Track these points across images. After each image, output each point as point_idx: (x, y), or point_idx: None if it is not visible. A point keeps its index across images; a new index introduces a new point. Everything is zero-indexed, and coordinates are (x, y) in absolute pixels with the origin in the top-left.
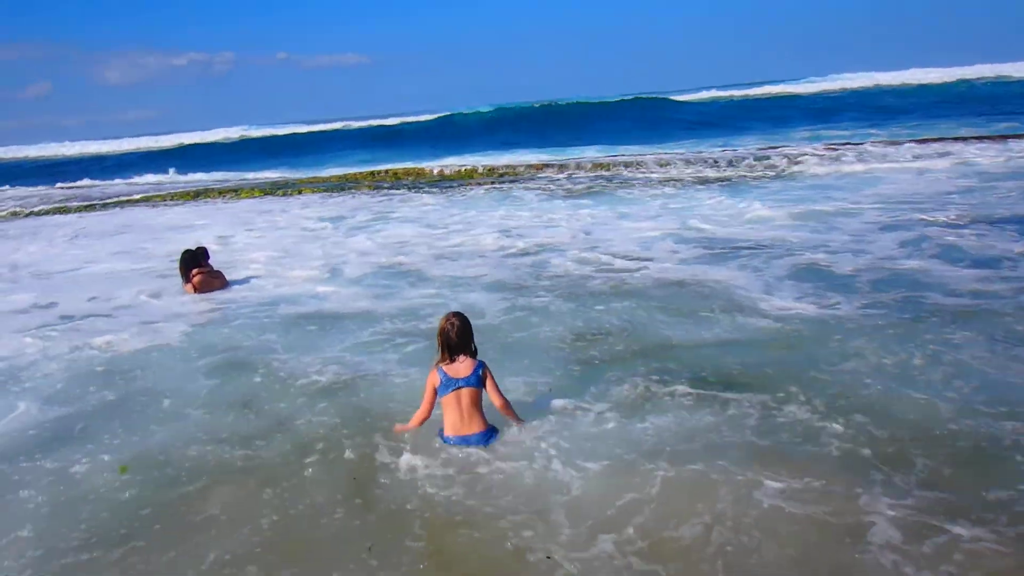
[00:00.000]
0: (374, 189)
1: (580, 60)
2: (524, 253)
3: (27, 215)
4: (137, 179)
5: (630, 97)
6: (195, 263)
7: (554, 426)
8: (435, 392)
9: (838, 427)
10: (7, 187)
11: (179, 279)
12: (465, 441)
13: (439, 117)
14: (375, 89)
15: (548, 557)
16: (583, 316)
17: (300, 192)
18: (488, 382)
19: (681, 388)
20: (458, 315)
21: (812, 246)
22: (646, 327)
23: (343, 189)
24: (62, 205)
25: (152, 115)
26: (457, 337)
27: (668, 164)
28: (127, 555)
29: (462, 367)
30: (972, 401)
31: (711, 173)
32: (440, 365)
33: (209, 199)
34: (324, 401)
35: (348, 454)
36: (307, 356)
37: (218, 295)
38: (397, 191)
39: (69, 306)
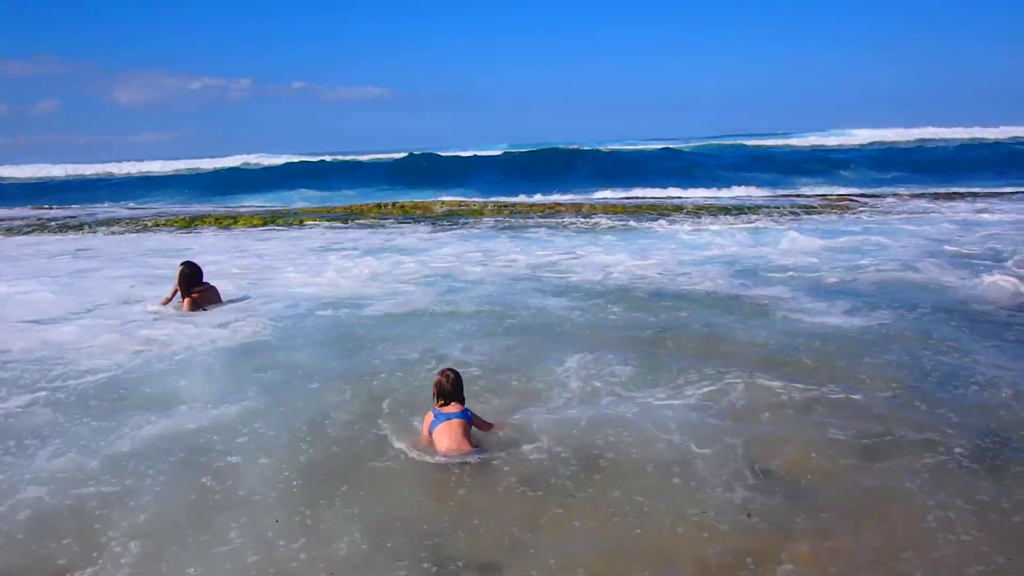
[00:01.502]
0: (378, 221)
1: (598, 109)
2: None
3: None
4: (133, 204)
5: (658, 147)
6: (197, 280)
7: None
8: (429, 429)
9: None
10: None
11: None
12: (462, 456)
13: (452, 156)
14: (393, 123)
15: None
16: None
17: (301, 222)
18: (474, 419)
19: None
20: (452, 370)
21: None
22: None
23: (346, 221)
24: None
25: (166, 138)
26: (451, 387)
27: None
28: None
29: (452, 408)
30: None
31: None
32: (434, 407)
33: (205, 226)
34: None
35: None
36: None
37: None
38: (404, 224)
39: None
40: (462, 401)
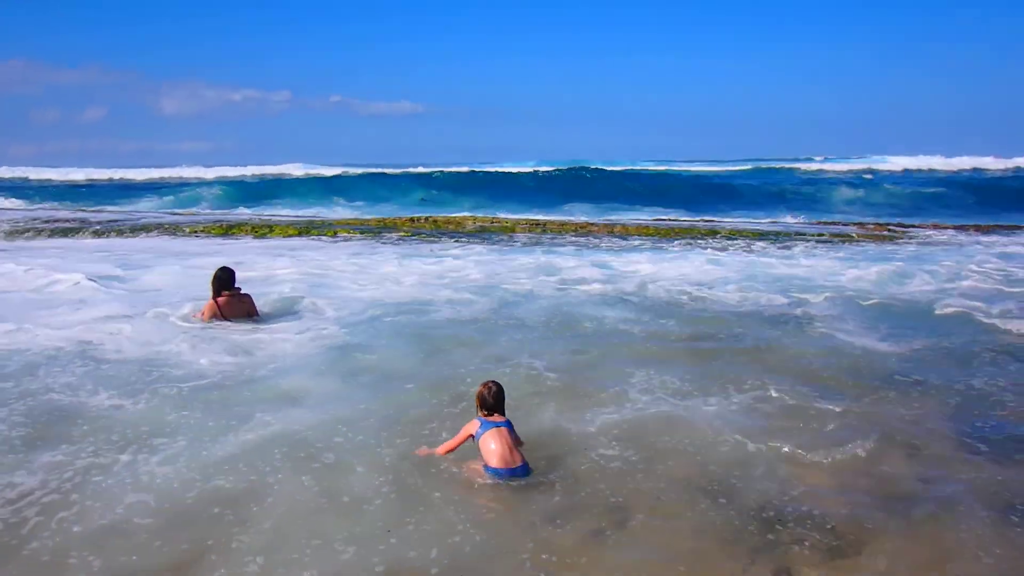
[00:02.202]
0: (412, 236)
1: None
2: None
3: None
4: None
5: (692, 169)
6: (229, 284)
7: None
8: (470, 436)
9: None
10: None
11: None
12: (513, 473)
13: (487, 172)
14: (427, 137)
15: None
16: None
17: (335, 233)
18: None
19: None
20: (495, 383)
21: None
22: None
23: (378, 233)
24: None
25: (206, 147)
26: (493, 399)
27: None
28: None
29: (497, 418)
30: None
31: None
32: (478, 415)
33: (241, 234)
34: None
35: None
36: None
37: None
38: (435, 240)
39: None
40: (503, 413)
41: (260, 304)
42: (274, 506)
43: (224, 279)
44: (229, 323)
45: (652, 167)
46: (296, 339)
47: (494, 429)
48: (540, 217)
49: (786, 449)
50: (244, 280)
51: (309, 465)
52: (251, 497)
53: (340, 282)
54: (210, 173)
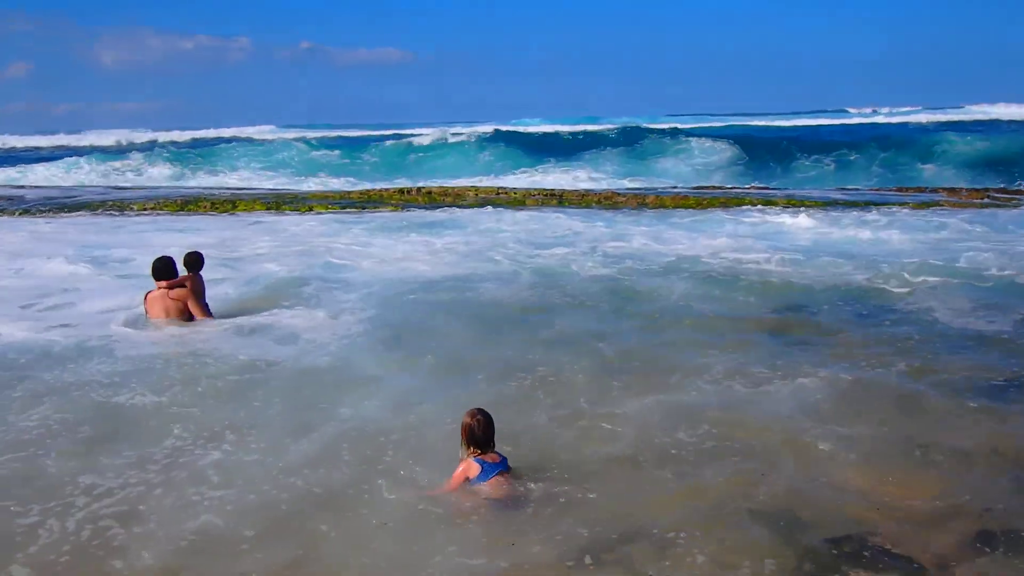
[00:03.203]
0: (401, 211)
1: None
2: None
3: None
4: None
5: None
6: (160, 274)
7: None
8: (467, 480)
9: None
10: None
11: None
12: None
13: (494, 132)
14: (420, 93)
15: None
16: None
17: (311, 209)
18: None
19: None
20: (482, 411)
21: None
22: None
23: (362, 208)
24: None
25: (155, 107)
26: (484, 433)
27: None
28: None
29: (493, 457)
30: None
31: None
32: (473, 456)
33: (199, 212)
34: None
35: None
36: None
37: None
38: (432, 211)
39: None
40: (494, 446)
41: (263, 287)
42: (370, 513)
43: (154, 269)
44: (165, 323)
45: (688, 124)
46: (334, 324)
47: (497, 477)
48: (555, 187)
49: (867, 459)
50: (222, 261)
51: (399, 465)
52: (341, 501)
53: (342, 261)
54: (159, 138)
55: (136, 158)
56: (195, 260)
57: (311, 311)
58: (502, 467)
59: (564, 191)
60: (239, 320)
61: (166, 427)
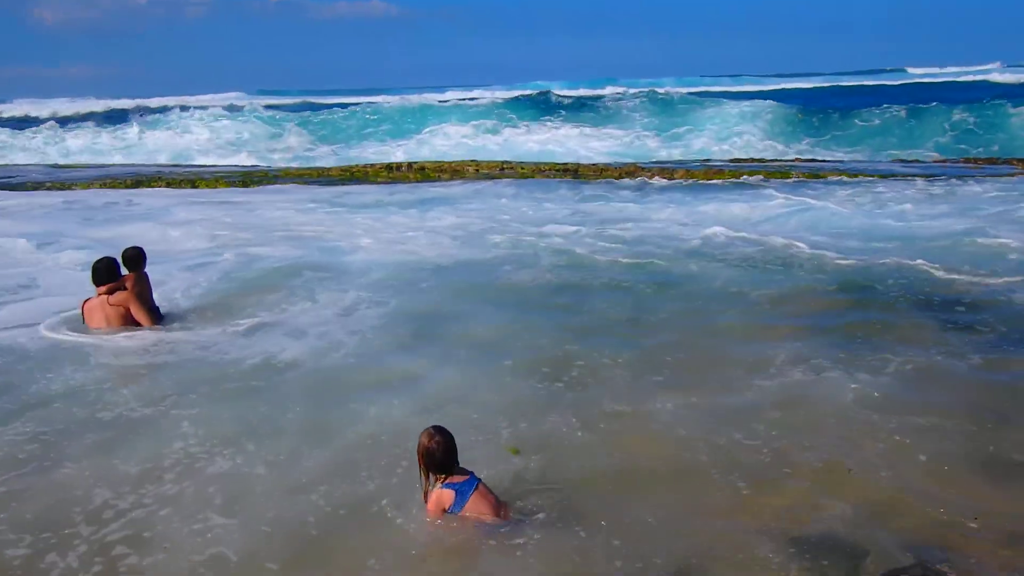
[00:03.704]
0: (388, 186)
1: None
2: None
3: None
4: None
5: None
6: (98, 277)
7: None
8: (444, 512)
9: None
10: None
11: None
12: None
13: (501, 101)
14: (406, 52)
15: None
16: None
17: (275, 182)
18: (481, 485)
19: None
20: (440, 430)
21: None
22: None
23: (344, 184)
24: None
25: (107, 72)
26: (443, 455)
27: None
28: None
29: (460, 477)
30: None
31: None
32: (440, 483)
33: (151, 188)
34: None
35: None
36: None
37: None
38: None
39: None
40: (458, 463)
41: (251, 278)
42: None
43: (95, 273)
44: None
45: (721, 87)
46: (346, 318)
47: (475, 498)
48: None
49: (950, 469)
50: (201, 251)
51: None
52: (363, 519)
53: (334, 245)
54: (105, 106)
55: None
56: (135, 257)
57: (315, 305)
58: (473, 482)
59: (579, 165)
60: (238, 320)
61: (169, 438)
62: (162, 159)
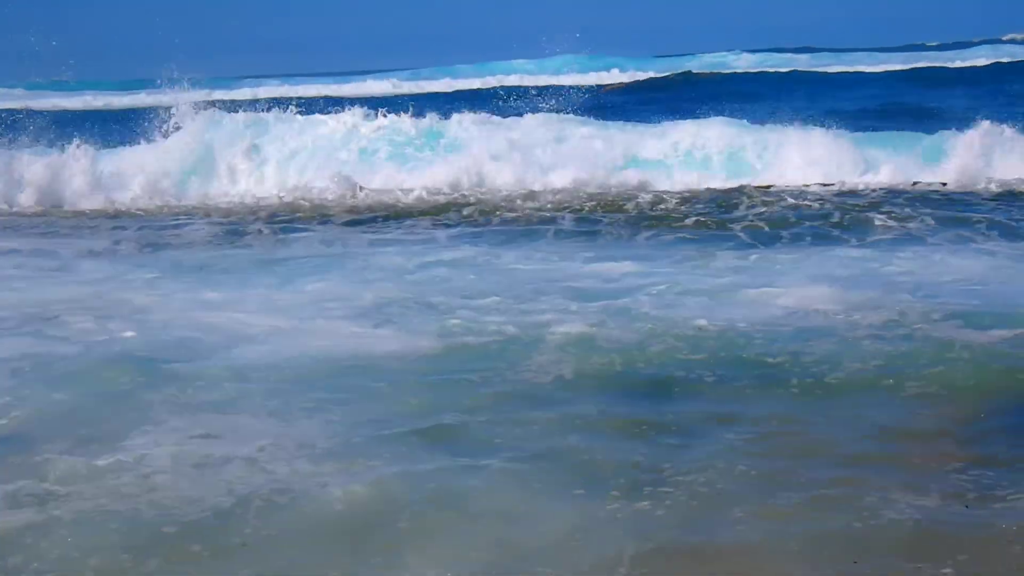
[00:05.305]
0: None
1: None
2: None
3: None
4: None
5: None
6: None
7: None
8: None
9: None
10: None
11: None
12: None
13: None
14: (400, 25)
15: None
16: None
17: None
18: None
19: None
20: None
21: None
22: None
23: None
24: None
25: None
26: None
27: None
28: None
29: None
30: None
31: None
32: None
33: None
34: None
35: None
36: None
37: None
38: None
39: None
40: None
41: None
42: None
43: None
44: None
45: (772, 68)
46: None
47: None
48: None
49: None
50: None
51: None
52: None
53: (185, 334)
54: (37, 103)
55: None
56: None
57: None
58: None
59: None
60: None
61: None
62: None
